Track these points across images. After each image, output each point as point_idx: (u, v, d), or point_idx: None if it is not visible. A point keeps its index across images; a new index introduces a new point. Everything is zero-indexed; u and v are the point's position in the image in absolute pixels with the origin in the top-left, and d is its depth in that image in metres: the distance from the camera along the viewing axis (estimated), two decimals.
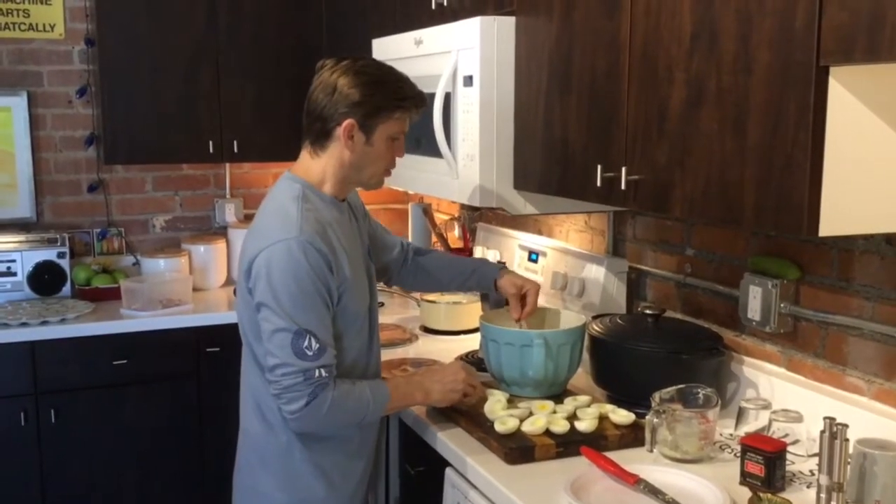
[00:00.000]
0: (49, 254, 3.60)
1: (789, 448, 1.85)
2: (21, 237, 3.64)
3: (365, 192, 2.19)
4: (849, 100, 1.47)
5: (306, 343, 1.84)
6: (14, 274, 3.56)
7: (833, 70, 1.45)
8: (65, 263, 3.62)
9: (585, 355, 2.33)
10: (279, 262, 1.85)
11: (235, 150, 3.67)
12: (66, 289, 3.63)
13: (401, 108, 1.98)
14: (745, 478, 1.80)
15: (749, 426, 2.04)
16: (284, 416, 1.90)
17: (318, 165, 1.99)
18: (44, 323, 3.28)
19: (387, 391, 2.01)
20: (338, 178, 2.00)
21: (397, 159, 2.04)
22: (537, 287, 2.36)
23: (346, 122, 1.93)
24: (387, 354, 2.65)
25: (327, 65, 1.98)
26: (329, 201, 1.99)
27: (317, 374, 1.85)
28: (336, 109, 1.93)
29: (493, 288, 2.38)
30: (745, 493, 1.75)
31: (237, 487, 2.13)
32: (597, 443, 1.96)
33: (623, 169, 1.91)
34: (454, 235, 3.72)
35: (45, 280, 3.58)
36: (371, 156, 1.99)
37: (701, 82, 1.69)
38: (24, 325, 3.25)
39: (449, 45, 2.45)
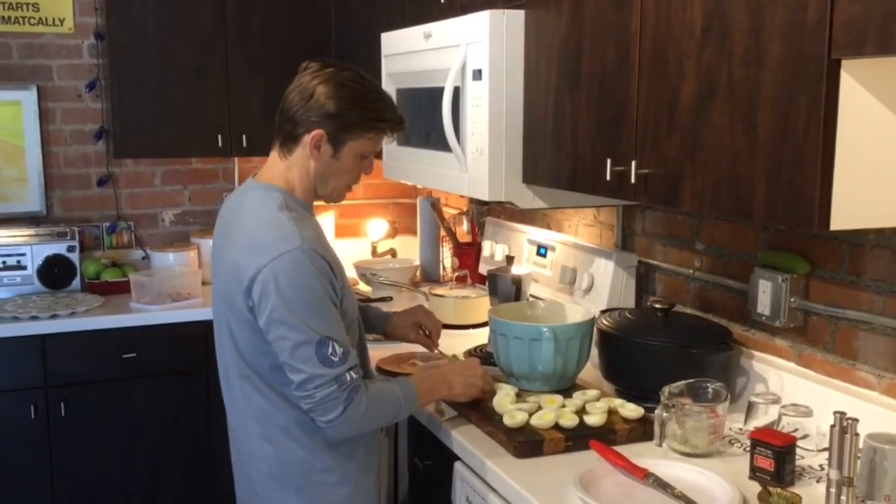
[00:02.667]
0: (59, 248, 3.61)
1: (799, 443, 1.85)
2: (31, 231, 3.66)
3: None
4: (860, 93, 1.46)
5: (330, 350, 1.81)
6: (24, 268, 3.57)
7: (845, 63, 1.44)
8: (74, 257, 3.63)
9: (594, 350, 2.33)
10: (288, 274, 1.80)
11: (244, 144, 3.67)
12: (76, 282, 3.64)
13: (375, 129, 1.94)
14: (755, 472, 1.80)
15: (758, 421, 2.03)
16: (321, 426, 1.86)
17: (287, 171, 1.95)
18: (53, 316, 3.29)
19: (414, 387, 2.00)
20: (304, 187, 1.96)
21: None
22: (426, 311, 2.46)
23: (315, 132, 1.89)
24: (395, 348, 2.66)
25: (311, 68, 1.94)
26: (306, 207, 1.97)
27: (348, 377, 1.83)
28: (308, 116, 1.89)
29: (386, 335, 2.47)
30: (755, 487, 1.75)
31: None
32: (606, 437, 1.96)
33: (633, 163, 1.91)
34: (463, 230, 3.72)
35: (54, 274, 3.60)
36: (335, 169, 1.94)
37: (712, 75, 1.68)
38: (34, 318, 3.26)
39: (458, 39, 2.45)
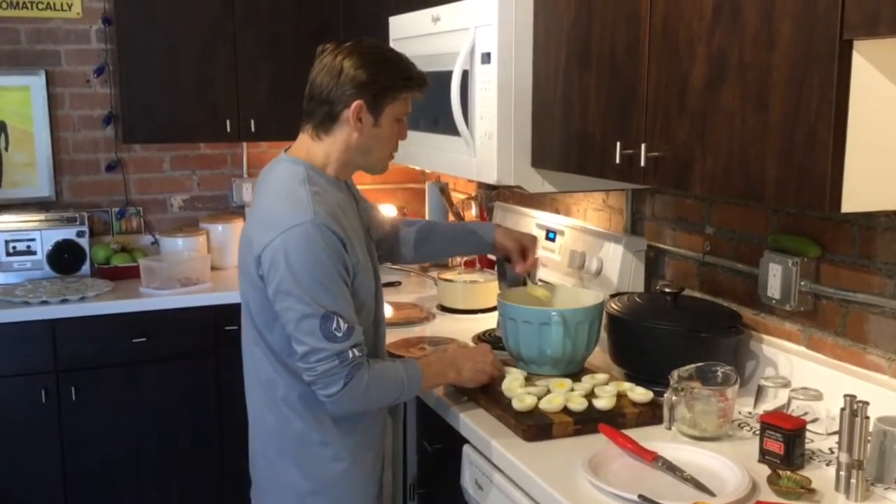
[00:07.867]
0: (68, 233, 3.63)
1: (809, 426, 1.84)
2: (41, 216, 3.67)
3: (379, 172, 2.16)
4: (873, 74, 1.45)
5: (335, 325, 1.82)
6: (34, 253, 3.59)
7: (857, 44, 1.43)
8: (84, 242, 3.65)
9: (603, 334, 2.33)
10: (298, 247, 1.82)
11: (252, 129, 3.67)
12: (86, 267, 3.66)
13: (406, 88, 1.96)
14: (764, 455, 1.79)
15: (768, 404, 2.03)
16: (321, 400, 1.88)
17: (320, 148, 1.96)
18: (63, 301, 3.30)
19: (419, 370, 2.01)
20: (341, 162, 1.97)
21: (412, 134, 2.02)
22: (535, 239, 2.44)
23: (355, 104, 1.90)
24: (404, 333, 2.66)
25: (328, 48, 1.95)
26: (333, 182, 1.97)
27: (350, 354, 1.84)
28: (343, 91, 1.90)
29: (491, 247, 2.43)
30: (764, 470, 1.74)
31: (256, 480, 2.11)
32: (615, 420, 1.96)
33: (643, 146, 1.90)
34: (471, 214, 3.71)
35: (64, 259, 3.61)
36: (378, 138, 1.96)
37: (723, 57, 1.67)
38: (44, 303, 3.28)
39: (467, 22, 2.44)
